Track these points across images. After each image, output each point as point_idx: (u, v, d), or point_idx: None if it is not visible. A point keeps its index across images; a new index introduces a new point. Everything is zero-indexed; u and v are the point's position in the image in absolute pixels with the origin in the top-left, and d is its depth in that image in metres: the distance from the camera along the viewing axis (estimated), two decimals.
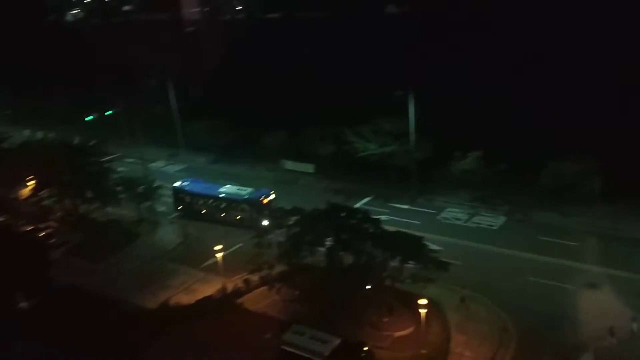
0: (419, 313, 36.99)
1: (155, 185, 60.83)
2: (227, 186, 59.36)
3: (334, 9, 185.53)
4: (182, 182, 61.58)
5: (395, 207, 59.73)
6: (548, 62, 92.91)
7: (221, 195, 57.93)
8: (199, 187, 60.64)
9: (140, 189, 59.83)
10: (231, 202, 57.31)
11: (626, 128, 63.74)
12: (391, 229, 43.18)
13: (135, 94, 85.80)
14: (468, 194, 60.03)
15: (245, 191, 57.45)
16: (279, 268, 41.51)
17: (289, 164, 72.54)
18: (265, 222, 50.51)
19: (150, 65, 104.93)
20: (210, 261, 48.51)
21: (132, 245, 55.47)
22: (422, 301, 36.92)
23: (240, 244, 50.51)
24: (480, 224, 55.36)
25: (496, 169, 57.50)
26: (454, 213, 57.57)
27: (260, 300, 43.79)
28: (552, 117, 67.58)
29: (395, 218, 55.62)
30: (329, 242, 40.96)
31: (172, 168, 77.82)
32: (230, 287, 45.18)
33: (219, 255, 45.57)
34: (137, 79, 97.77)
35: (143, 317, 42.61)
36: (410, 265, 39.77)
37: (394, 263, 39.75)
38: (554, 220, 53.74)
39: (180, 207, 60.48)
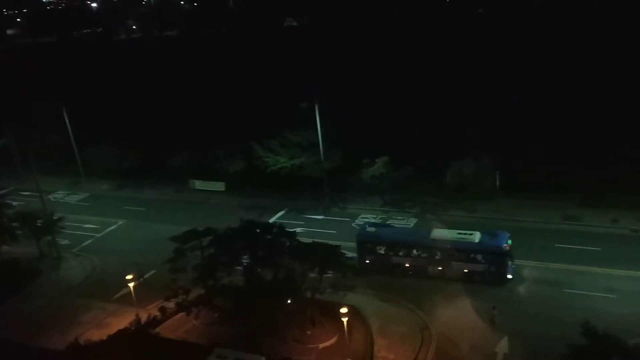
0: (342, 322, 36.98)
1: (55, 217, 57.18)
2: (440, 230, 47.44)
3: (233, 25, 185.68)
4: (366, 229, 48.83)
5: (309, 218, 59.82)
6: (442, 66, 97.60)
7: (434, 243, 45.33)
8: (394, 233, 48.67)
9: (39, 222, 56.02)
10: (453, 251, 44.53)
11: (519, 125, 68.30)
12: (307, 240, 43.22)
13: (27, 122, 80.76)
14: (380, 199, 61.28)
15: (473, 235, 44.56)
16: (196, 292, 40.17)
17: (198, 184, 70.89)
18: (509, 276, 43.69)
19: (40, 92, 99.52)
20: (123, 292, 46.16)
21: (34, 284, 51.77)
22: (343, 309, 36.95)
23: (153, 271, 48.44)
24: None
25: (404, 173, 59.01)
26: (367, 219, 58.45)
27: (178, 327, 42.13)
28: (453, 119, 71.02)
29: (311, 229, 55.61)
30: (245, 260, 40.22)
31: (74, 197, 73.76)
32: (145, 316, 43.13)
33: (131, 284, 43.43)
34: (28, 107, 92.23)
35: (51, 358, 39.68)
36: (329, 274, 39.82)
37: (313, 274, 39.67)
38: (462, 217, 55.92)
39: (369, 260, 47.11)
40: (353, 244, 48.31)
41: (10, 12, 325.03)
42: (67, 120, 72.81)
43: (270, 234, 40.99)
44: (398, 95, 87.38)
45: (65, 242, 58.20)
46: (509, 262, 43.71)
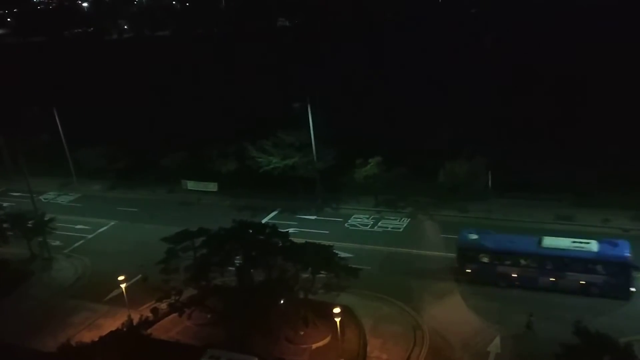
0: (335, 322, 36.93)
1: (46, 218, 56.77)
2: (551, 238, 43.33)
3: (225, 25, 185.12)
4: (467, 235, 45.57)
5: (302, 218, 59.77)
6: (436, 67, 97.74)
7: (545, 252, 42.20)
8: (500, 241, 44.59)
9: (30, 223, 55.58)
10: (567, 261, 41.55)
11: (511, 125, 68.50)
12: (300, 240, 43.14)
13: (13, 123, 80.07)
14: (372, 200, 61.29)
15: (590, 244, 41.51)
16: (189, 292, 40.00)
17: (191, 184, 70.67)
18: (632, 289, 40.52)
19: (31, 92, 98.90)
20: (114, 293, 45.95)
21: (25, 285, 51.42)
22: (336, 310, 36.90)
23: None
24: (386, 227, 56.59)
25: (397, 173, 59.07)
26: (360, 219, 58.46)
27: (171, 328, 42.01)
28: (446, 119, 71.12)
29: (304, 229, 55.59)
30: (238, 260, 40.08)
31: (66, 198, 73.30)
32: (137, 318, 42.85)
33: (123, 286, 43.20)
34: (16, 107, 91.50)
35: None
36: (322, 275, 39.75)
37: (306, 274, 39.59)
38: (454, 217, 56.03)
39: (471, 269, 44.52)
40: (346, 244, 48.32)
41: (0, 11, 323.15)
42: (57, 121, 72.41)
43: (263, 234, 40.88)
44: (391, 95, 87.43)
45: (57, 243, 57.88)
46: (634, 274, 40.59)
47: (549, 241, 42.81)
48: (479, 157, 57.32)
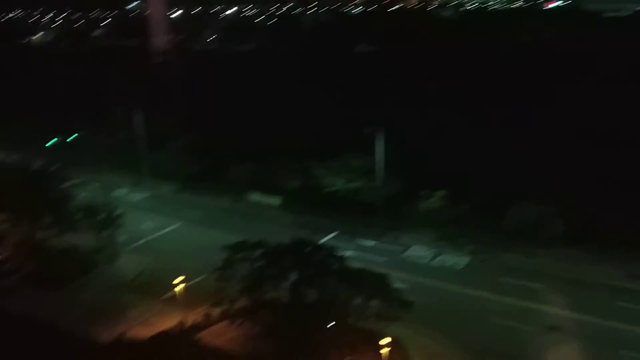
0: (381, 352, 36.38)
1: (116, 213, 59.21)
2: None
3: (308, 45, 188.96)
4: None
5: (360, 243, 59.45)
6: (514, 104, 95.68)
7: None
8: None
9: (101, 216, 58.13)
10: None
11: (590, 175, 65.70)
12: (356, 265, 42.92)
13: (101, 120, 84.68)
14: (433, 233, 60.14)
15: None
16: (241, 302, 40.54)
17: (255, 196, 71.88)
18: None
19: (118, 92, 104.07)
20: (171, 293, 47.14)
21: (89, 275, 53.62)
22: (385, 340, 36.39)
23: (202, 276, 49.25)
24: (445, 263, 55.44)
25: (461, 209, 57.91)
26: (419, 251, 57.57)
27: (220, 335, 42.53)
28: (517, 159, 69.30)
29: (361, 255, 55.28)
30: (292, 277, 40.32)
31: (136, 196, 76.16)
32: (189, 321, 43.84)
33: (180, 287, 44.32)
34: (103, 105, 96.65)
35: (96, 350, 40.85)
36: (374, 303, 39.32)
37: (358, 301, 39.27)
38: (518, 261, 54.11)
39: None
40: (402, 275, 47.65)
41: (97, 14, 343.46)
42: (139, 121, 75.71)
43: (319, 254, 41.03)
44: (464, 129, 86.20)
45: (124, 237, 60.02)
46: None
47: None
48: (549, 201, 55.29)
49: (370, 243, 59.72)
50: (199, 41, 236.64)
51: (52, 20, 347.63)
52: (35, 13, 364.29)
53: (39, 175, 63.28)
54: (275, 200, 70.31)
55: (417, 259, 56.39)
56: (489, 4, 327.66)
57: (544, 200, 55.52)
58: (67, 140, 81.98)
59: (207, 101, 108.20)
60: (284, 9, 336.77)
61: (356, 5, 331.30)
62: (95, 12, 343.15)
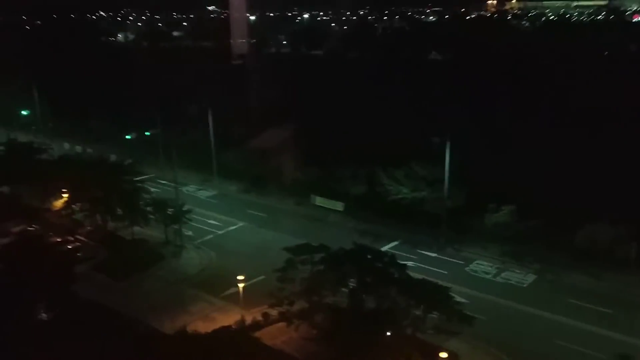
0: None
1: (185, 209, 61.12)
2: None
3: (378, 52, 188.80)
4: None
5: (422, 254, 58.57)
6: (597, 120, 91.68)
7: None
8: None
9: (170, 211, 60.15)
10: None
11: None
12: (417, 276, 42.38)
13: (176, 118, 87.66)
14: (499, 248, 58.45)
15: None
16: (300, 305, 40.82)
17: (319, 200, 72.24)
18: None
19: (194, 91, 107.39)
20: (231, 290, 48.14)
21: (155, 267, 55.55)
22: (443, 354, 35.66)
23: (262, 276, 50.00)
24: (509, 280, 53.74)
25: (529, 225, 56.01)
26: (482, 266, 56.10)
27: (277, 336, 42.97)
28: (593, 176, 66.08)
29: (422, 265, 54.54)
30: (352, 283, 40.21)
31: (204, 193, 78.33)
32: (248, 319, 44.57)
33: (241, 285, 45.17)
34: (179, 103, 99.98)
35: (159, 340, 42.05)
36: (434, 315, 38.66)
37: (417, 312, 38.69)
38: (587, 283, 51.70)
39: None
40: (464, 289, 46.60)
41: (178, 16, 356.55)
42: (211, 121, 77.87)
43: (380, 262, 40.70)
44: (537, 142, 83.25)
45: (189, 233, 61.87)
46: None
47: None
48: (625, 222, 52.60)
49: (432, 254, 58.73)
50: (272, 45, 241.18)
51: (134, 21, 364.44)
52: (117, 15, 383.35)
53: (115, 168, 66.27)
54: (338, 205, 70.38)
55: (481, 273, 54.96)
56: (573, 14, 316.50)
57: (617, 221, 52.79)
58: (145, 134, 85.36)
59: (278, 105, 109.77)
60: (360, 13, 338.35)
61: (432, 13, 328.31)
62: (175, 14, 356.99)
